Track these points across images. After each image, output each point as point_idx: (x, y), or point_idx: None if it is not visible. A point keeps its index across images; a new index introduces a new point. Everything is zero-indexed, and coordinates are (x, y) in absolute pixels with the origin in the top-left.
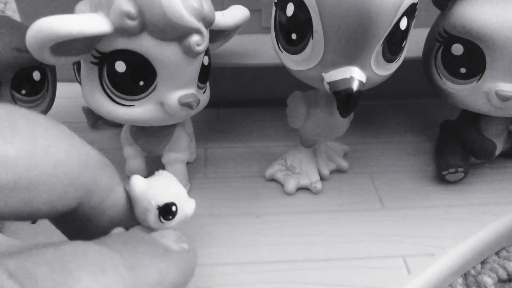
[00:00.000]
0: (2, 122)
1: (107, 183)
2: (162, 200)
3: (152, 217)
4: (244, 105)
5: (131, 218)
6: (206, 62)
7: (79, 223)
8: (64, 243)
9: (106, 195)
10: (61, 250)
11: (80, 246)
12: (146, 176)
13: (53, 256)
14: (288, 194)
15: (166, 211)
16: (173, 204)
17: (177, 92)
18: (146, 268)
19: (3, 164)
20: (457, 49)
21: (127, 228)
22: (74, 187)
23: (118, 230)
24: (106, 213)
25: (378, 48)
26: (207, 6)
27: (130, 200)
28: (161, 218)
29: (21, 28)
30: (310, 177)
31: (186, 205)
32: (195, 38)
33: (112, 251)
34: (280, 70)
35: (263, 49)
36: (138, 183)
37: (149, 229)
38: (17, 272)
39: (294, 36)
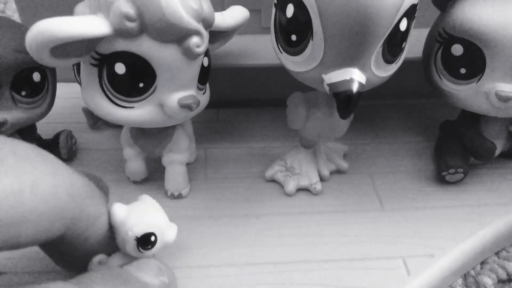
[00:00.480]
0: None
1: (93, 212)
2: (140, 231)
3: (130, 247)
4: (244, 106)
5: (113, 244)
6: (205, 63)
7: (63, 248)
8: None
9: (91, 223)
10: None
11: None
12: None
13: None
14: (288, 195)
15: (145, 241)
16: (152, 234)
17: (176, 94)
18: None
19: None
20: (457, 49)
21: (109, 254)
22: (60, 220)
23: (99, 257)
24: (88, 240)
25: (378, 49)
26: (206, 7)
27: (111, 228)
28: (140, 248)
29: (21, 29)
30: (310, 178)
31: (166, 233)
32: (194, 39)
33: None
34: (280, 71)
35: (263, 50)
36: (118, 212)
37: (130, 256)
38: None
39: (294, 37)
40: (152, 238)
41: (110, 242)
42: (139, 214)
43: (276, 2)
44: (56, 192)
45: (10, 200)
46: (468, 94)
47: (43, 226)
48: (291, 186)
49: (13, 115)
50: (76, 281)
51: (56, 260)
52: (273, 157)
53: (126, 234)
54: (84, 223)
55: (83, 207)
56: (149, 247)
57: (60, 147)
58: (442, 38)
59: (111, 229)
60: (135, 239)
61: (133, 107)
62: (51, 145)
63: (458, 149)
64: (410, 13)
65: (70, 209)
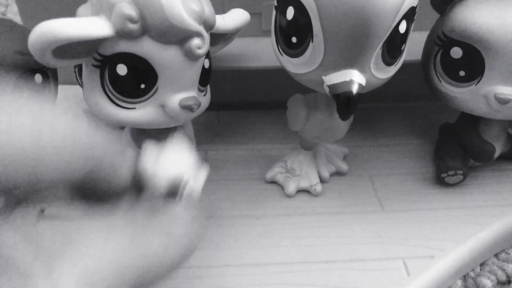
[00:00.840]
0: (6, 98)
1: (116, 152)
2: (171, 175)
3: (161, 190)
4: (245, 108)
5: (142, 187)
6: (206, 65)
7: (89, 191)
8: (68, 222)
9: (115, 164)
10: (66, 225)
11: (87, 219)
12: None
13: (58, 227)
14: (288, 196)
15: (175, 185)
16: (182, 177)
17: (178, 95)
18: (151, 239)
19: (9, 134)
20: (456, 52)
21: (138, 198)
22: (82, 159)
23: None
24: (115, 182)
25: (377, 51)
26: (208, 10)
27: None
28: (170, 192)
29: (23, 31)
30: (310, 179)
31: (196, 177)
32: (196, 41)
33: (120, 220)
34: (280, 73)
35: (264, 52)
36: (148, 155)
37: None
38: (20, 230)
39: (294, 39)
40: (183, 182)
41: (140, 185)
42: (169, 158)
43: (276, 4)
44: (77, 129)
45: (28, 133)
46: (467, 97)
47: (65, 157)
48: (291, 187)
49: None
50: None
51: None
52: (273, 159)
53: (158, 177)
54: (108, 162)
55: (106, 145)
56: (180, 190)
57: None
58: (441, 41)
59: (140, 173)
60: (166, 182)
61: (135, 108)
62: None
63: (457, 151)
64: (409, 15)
65: (93, 146)
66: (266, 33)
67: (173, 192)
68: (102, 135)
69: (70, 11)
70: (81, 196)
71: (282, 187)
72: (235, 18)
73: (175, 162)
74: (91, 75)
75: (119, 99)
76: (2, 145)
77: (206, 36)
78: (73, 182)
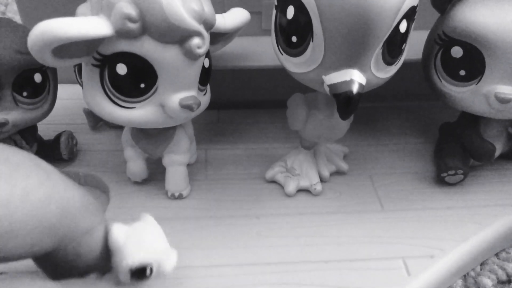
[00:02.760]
0: None
1: (87, 226)
2: (136, 262)
3: (124, 276)
4: (245, 107)
5: (109, 262)
6: (206, 64)
7: (55, 263)
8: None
9: (84, 238)
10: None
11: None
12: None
13: None
14: (288, 195)
15: (140, 272)
16: (148, 266)
17: (178, 94)
18: None
19: None
20: (457, 51)
21: (104, 273)
22: (51, 232)
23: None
24: (83, 257)
25: (378, 50)
26: (207, 9)
27: (108, 246)
28: (133, 279)
29: (23, 31)
30: (310, 178)
31: (165, 262)
32: (196, 40)
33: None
34: (281, 72)
35: (264, 51)
36: (116, 235)
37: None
38: None
39: (294, 38)
40: (148, 271)
41: (106, 261)
42: (138, 242)
43: (276, 4)
44: (48, 203)
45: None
46: (467, 96)
47: (33, 238)
48: (291, 186)
49: (14, 116)
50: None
51: (50, 275)
52: (273, 158)
53: (121, 263)
54: (77, 237)
55: (77, 220)
56: (144, 278)
57: (61, 148)
58: (441, 40)
59: (107, 248)
60: (129, 271)
61: (134, 107)
62: (52, 146)
63: (457, 150)
64: (409, 15)
65: (63, 222)
66: (266, 32)
67: (136, 278)
68: (77, 202)
69: (69, 11)
70: (46, 268)
71: (282, 187)
72: (235, 17)
73: (142, 246)
74: (90, 75)
75: (119, 99)
76: None
77: (206, 35)
78: (41, 254)
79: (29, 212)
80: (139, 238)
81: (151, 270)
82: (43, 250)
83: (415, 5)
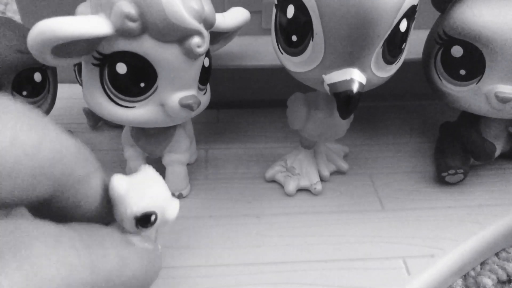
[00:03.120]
0: None
1: (82, 173)
2: (140, 210)
3: (128, 225)
4: (245, 107)
5: (110, 214)
6: (206, 63)
7: (54, 214)
8: (20, 219)
9: (81, 185)
10: (16, 223)
11: (36, 221)
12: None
13: (7, 225)
14: (288, 195)
15: (144, 220)
16: (152, 213)
17: (177, 94)
18: (105, 250)
19: None
20: (457, 51)
21: (106, 225)
22: (44, 178)
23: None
24: (81, 206)
25: (378, 50)
26: (207, 8)
27: (108, 195)
28: (139, 227)
29: (22, 30)
30: (310, 178)
31: (167, 210)
32: (195, 39)
33: (71, 229)
34: (280, 71)
35: (264, 50)
36: (118, 185)
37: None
38: None
39: (294, 38)
40: (152, 218)
41: (106, 210)
42: (140, 190)
43: (276, 3)
44: (40, 147)
45: None
46: (468, 96)
47: (25, 183)
48: (291, 186)
49: None
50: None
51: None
52: (273, 158)
53: (125, 212)
54: (72, 184)
55: (71, 166)
56: (149, 226)
57: None
58: (442, 39)
59: (107, 199)
60: (134, 218)
61: (134, 106)
62: None
63: (458, 150)
64: (410, 14)
65: (56, 167)
66: (266, 32)
67: (141, 225)
68: (71, 149)
69: (69, 10)
70: (48, 217)
71: (282, 186)
72: (235, 16)
73: (145, 194)
74: (90, 74)
75: (118, 98)
76: None
77: (206, 34)
78: (36, 202)
79: (20, 155)
80: (141, 187)
81: (156, 217)
82: (39, 196)
83: (415, 4)
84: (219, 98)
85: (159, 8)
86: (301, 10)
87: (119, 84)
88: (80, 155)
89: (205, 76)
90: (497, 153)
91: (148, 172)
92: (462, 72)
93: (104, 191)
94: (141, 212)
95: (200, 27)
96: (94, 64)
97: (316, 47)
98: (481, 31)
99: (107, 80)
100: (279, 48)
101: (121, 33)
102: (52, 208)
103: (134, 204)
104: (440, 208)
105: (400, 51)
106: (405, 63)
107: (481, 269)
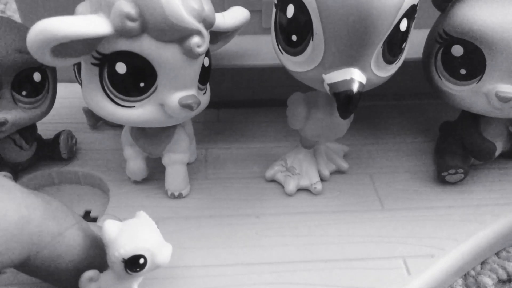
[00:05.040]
0: None
1: (55, 230)
2: (128, 253)
3: (117, 268)
4: (245, 106)
5: (100, 260)
6: (206, 63)
7: (40, 268)
8: None
9: (56, 241)
10: None
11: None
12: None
13: None
14: (289, 195)
15: (133, 263)
16: (141, 257)
17: (177, 93)
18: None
19: None
20: (457, 50)
21: (101, 270)
22: (14, 245)
23: (90, 273)
24: (64, 258)
25: (378, 49)
26: (207, 8)
27: (95, 241)
28: (127, 270)
29: (22, 29)
30: (310, 178)
31: (159, 255)
32: (195, 39)
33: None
34: (280, 71)
35: (264, 50)
36: (109, 229)
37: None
38: None
39: (294, 37)
40: (141, 261)
41: (97, 258)
42: (130, 234)
43: (276, 2)
44: (6, 215)
45: None
46: (468, 95)
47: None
48: (291, 186)
49: (13, 115)
50: None
51: (44, 280)
52: (273, 157)
53: (113, 255)
54: (49, 242)
55: (40, 228)
56: (138, 269)
57: (61, 147)
58: (442, 39)
59: (95, 246)
60: (122, 261)
61: (134, 106)
62: (51, 145)
63: (458, 149)
64: (410, 13)
65: (24, 232)
66: (266, 31)
67: (130, 269)
68: (40, 209)
69: (69, 9)
70: (36, 274)
71: (282, 186)
72: (235, 16)
73: (135, 237)
74: (90, 74)
75: (118, 98)
76: None
77: (206, 34)
78: (15, 264)
79: None
80: (133, 231)
81: (145, 261)
82: (14, 260)
83: (416, 3)
84: (219, 98)
85: (159, 7)
86: (301, 9)
87: (118, 84)
88: (49, 215)
89: (205, 76)
90: (497, 152)
91: (142, 218)
92: (463, 71)
93: (87, 240)
94: (129, 254)
95: (200, 27)
96: (93, 64)
97: (316, 46)
98: (482, 30)
99: (107, 79)
100: (279, 48)
101: (121, 32)
102: (36, 264)
103: (121, 246)
104: (440, 207)
105: (400, 50)
106: (405, 62)
107: (481, 268)
